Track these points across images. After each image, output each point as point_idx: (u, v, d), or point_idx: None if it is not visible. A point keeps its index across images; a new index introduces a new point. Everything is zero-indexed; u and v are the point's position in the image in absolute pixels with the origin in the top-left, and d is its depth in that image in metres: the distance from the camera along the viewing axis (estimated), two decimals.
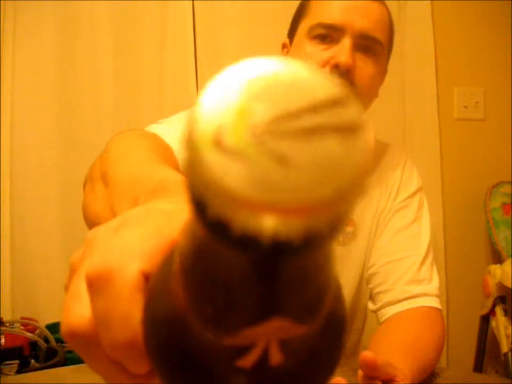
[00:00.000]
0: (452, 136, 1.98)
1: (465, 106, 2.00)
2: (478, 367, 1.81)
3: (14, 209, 1.82)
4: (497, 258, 1.89)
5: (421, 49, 1.93)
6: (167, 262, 0.25)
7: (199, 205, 0.17)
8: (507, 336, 1.65)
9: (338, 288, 0.24)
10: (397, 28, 1.90)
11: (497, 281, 1.70)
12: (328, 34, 0.88)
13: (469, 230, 1.99)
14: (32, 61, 1.84)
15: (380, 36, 0.90)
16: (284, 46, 0.99)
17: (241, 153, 0.16)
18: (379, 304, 0.94)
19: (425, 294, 0.92)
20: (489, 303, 1.75)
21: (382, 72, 0.95)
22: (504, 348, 1.66)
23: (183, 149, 0.17)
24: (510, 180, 1.92)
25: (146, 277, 0.27)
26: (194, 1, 1.87)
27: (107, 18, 1.85)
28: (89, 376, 0.81)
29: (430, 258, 0.99)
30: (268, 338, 0.21)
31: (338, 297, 0.24)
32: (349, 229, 0.97)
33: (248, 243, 0.17)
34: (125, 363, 0.27)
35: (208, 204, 0.17)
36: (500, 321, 1.69)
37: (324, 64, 0.87)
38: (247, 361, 0.21)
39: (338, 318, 0.24)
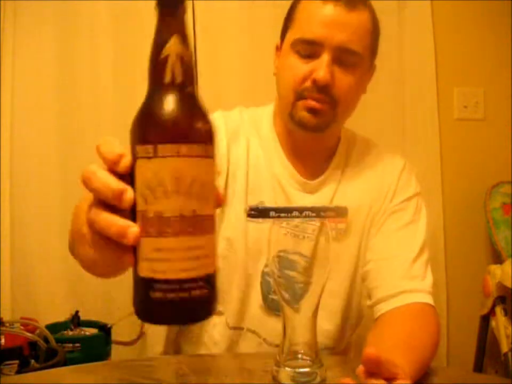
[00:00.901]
0: (452, 136, 1.98)
1: (465, 106, 2.00)
2: (478, 367, 1.81)
3: (14, 209, 1.82)
4: (497, 258, 1.89)
5: (421, 49, 1.93)
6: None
7: None
8: (507, 336, 1.65)
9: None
10: (397, 28, 1.91)
11: (497, 281, 1.70)
12: (308, 50, 0.94)
13: (469, 230, 1.99)
14: (32, 61, 1.84)
15: (358, 47, 0.95)
16: (277, 48, 1.04)
17: None
18: (374, 300, 0.96)
19: (418, 290, 0.93)
20: (489, 303, 1.75)
21: (363, 79, 1.00)
22: (504, 348, 1.66)
23: None
24: (510, 180, 1.92)
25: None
26: (194, 1, 1.87)
27: (107, 18, 1.85)
28: (89, 376, 0.81)
29: (424, 257, 0.99)
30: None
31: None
32: (341, 225, 0.99)
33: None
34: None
35: None
36: (499, 321, 1.69)
37: (304, 79, 0.94)
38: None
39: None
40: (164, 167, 0.45)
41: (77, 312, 1.70)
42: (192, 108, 0.50)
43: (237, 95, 1.85)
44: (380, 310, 0.93)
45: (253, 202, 0.99)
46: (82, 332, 1.66)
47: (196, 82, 0.51)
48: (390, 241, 1.00)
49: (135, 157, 0.48)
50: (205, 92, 1.83)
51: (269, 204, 0.99)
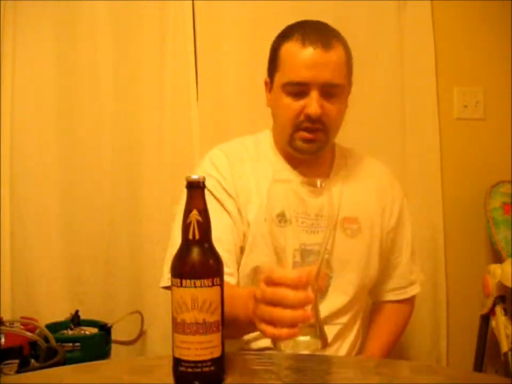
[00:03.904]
0: (452, 136, 1.98)
1: (465, 106, 1.99)
2: (478, 366, 1.81)
3: (14, 209, 1.82)
4: (497, 258, 1.89)
5: (421, 49, 1.93)
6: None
7: None
8: (507, 336, 1.65)
9: None
10: (397, 28, 1.91)
11: (497, 280, 1.70)
12: (298, 89, 1.09)
13: (469, 230, 1.98)
14: (32, 61, 1.84)
15: (339, 80, 1.10)
16: (266, 84, 1.19)
17: None
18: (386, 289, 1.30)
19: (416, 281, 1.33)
20: (489, 303, 1.75)
21: (345, 101, 1.16)
22: (504, 347, 1.65)
23: None
24: (510, 179, 1.92)
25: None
26: (194, 1, 1.87)
27: (107, 19, 1.85)
28: (89, 376, 0.81)
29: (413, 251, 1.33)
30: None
31: None
32: (355, 226, 1.17)
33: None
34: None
35: None
36: (499, 320, 1.69)
37: (298, 114, 1.09)
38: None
39: None
40: (185, 293, 0.71)
41: (76, 311, 1.70)
42: (204, 256, 0.74)
43: (237, 94, 1.85)
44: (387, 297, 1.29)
45: (276, 212, 1.11)
46: (82, 331, 1.66)
47: (210, 234, 0.76)
48: (404, 238, 1.26)
49: (171, 284, 0.73)
50: (206, 91, 1.81)
51: (288, 210, 1.10)
